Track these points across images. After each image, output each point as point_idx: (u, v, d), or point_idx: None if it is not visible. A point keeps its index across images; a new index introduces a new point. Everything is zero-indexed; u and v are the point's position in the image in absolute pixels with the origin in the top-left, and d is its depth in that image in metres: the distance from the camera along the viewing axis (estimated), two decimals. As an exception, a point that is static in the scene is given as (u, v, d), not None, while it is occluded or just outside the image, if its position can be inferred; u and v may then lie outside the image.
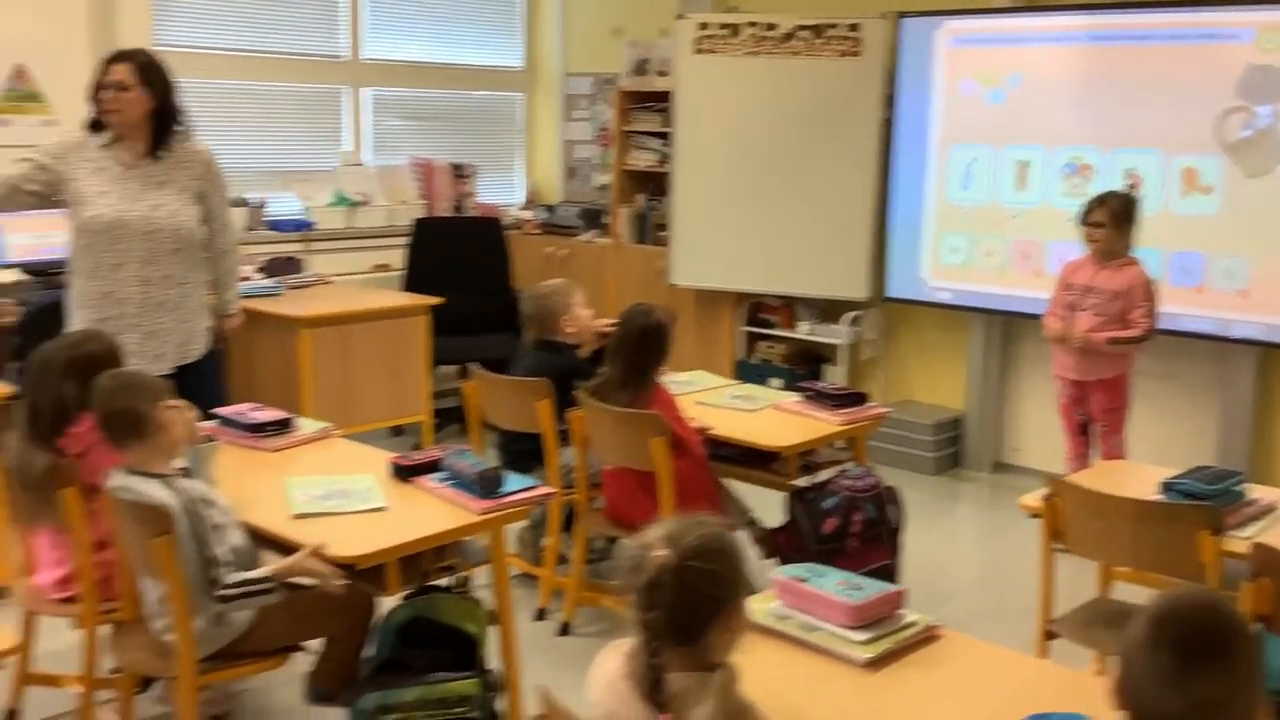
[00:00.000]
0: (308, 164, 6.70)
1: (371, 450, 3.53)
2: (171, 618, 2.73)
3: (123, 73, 3.82)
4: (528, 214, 7.56)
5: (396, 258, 6.64)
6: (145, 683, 3.29)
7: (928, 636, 2.33)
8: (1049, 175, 5.46)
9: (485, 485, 3.05)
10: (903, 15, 5.82)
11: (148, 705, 3.35)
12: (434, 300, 5.74)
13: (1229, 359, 5.13)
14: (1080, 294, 4.62)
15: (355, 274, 6.53)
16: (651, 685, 1.71)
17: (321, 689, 3.02)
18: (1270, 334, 4.93)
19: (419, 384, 5.75)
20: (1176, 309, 5.01)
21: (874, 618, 2.31)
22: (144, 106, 3.86)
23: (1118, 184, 5.17)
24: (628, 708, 1.72)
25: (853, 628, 2.28)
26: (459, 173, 7.19)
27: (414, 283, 6.42)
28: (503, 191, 7.77)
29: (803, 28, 5.99)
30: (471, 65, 7.53)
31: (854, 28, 5.92)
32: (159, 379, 2.97)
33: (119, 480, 2.80)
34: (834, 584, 2.37)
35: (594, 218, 7.28)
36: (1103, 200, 4.64)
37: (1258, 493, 3.18)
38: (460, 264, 6.42)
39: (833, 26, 5.94)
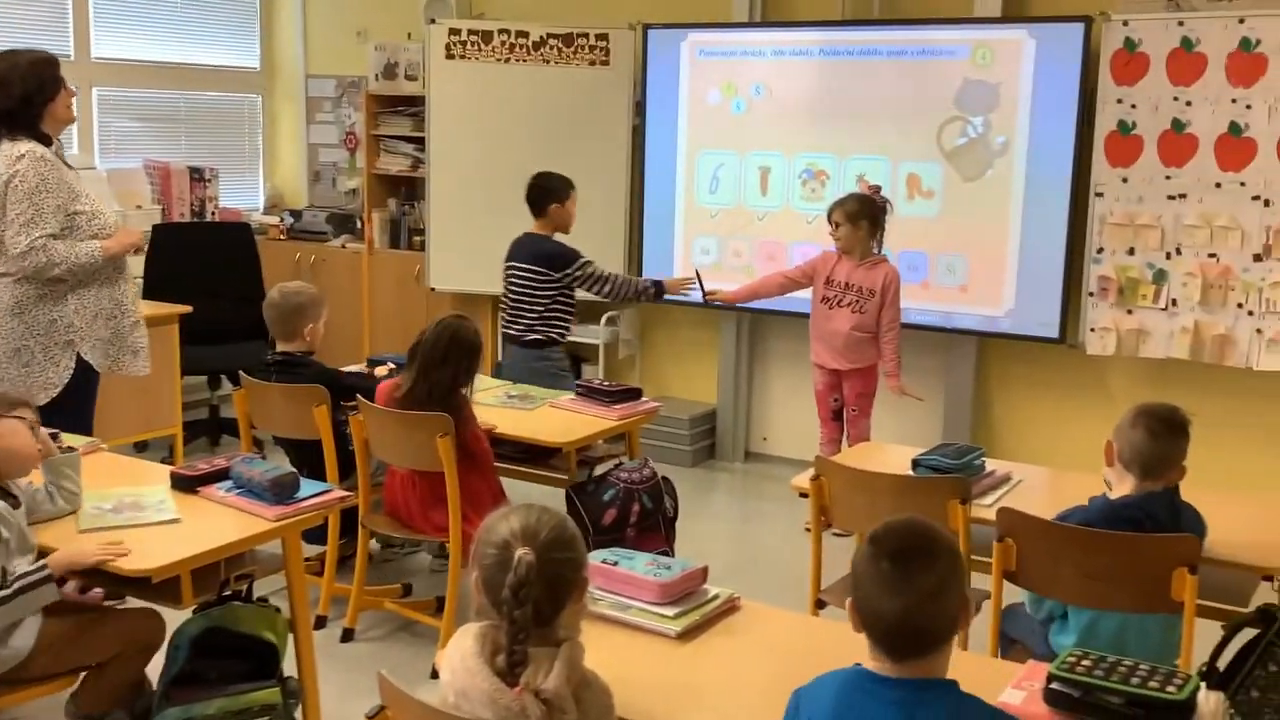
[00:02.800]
0: (33, 167, 6.31)
1: (146, 463, 3.43)
2: (-52, 645, 2.59)
3: None
4: (272, 219, 7.38)
5: (132, 264, 6.34)
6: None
7: (730, 608, 2.51)
8: (789, 180, 5.82)
9: (278, 491, 3.03)
10: (649, 27, 6.06)
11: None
12: (182, 309, 5.55)
13: (952, 348, 5.62)
14: (840, 290, 5.01)
15: (91, 283, 6.20)
16: (510, 667, 1.79)
17: (86, 711, 2.92)
18: (986, 324, 5.45)
19: (169, 396, 5.55)
20: (905, 304, 5.42)
21: (681, 593, 2.47)
22: None
23: (851, 189, 5.57)
24: (479, 682, 1.80)
25: (662, 604, 2.43)
26: (198, 176, 6.94)
27: (154, 290, 6.16)
28: (244, 196, 7.55)
29: (553, 36, 6.14)
30: (205, 65, 7.29)
31: (602, 37, 6.12)
32: None
33: None
34: (642, 565, 2.51)
35: (344, 222, 7.19)
36: (841, 202, 5.05)
37: (993, 465, 3.55)
38: (206, 271, 6.21)
39: (582, 36, 6.12)
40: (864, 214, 4.98)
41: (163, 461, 5.48)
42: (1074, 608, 2.87)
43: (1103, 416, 5.31)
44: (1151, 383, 5.18)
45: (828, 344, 5.08)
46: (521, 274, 5.07)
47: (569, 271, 5.00)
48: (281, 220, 7.33)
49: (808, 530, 4.95)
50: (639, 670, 2.24)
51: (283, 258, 7.05)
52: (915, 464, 3.43)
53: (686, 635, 2.37)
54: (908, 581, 1.77)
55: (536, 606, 1.82)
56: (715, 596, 2.50)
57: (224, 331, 6.09)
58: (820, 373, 5.16)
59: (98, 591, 3.48)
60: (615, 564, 2.52)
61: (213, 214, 6.93)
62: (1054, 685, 2.03)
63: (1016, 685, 2.13)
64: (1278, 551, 2.95)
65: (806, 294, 5.23)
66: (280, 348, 4.15)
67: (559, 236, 5.09)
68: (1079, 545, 2.78)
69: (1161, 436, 2.82)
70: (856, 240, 4.98)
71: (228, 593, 2.93)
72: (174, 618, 2.91)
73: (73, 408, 3.99)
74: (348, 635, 4.03)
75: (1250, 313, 4.80)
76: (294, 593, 3.09)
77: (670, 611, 2.41)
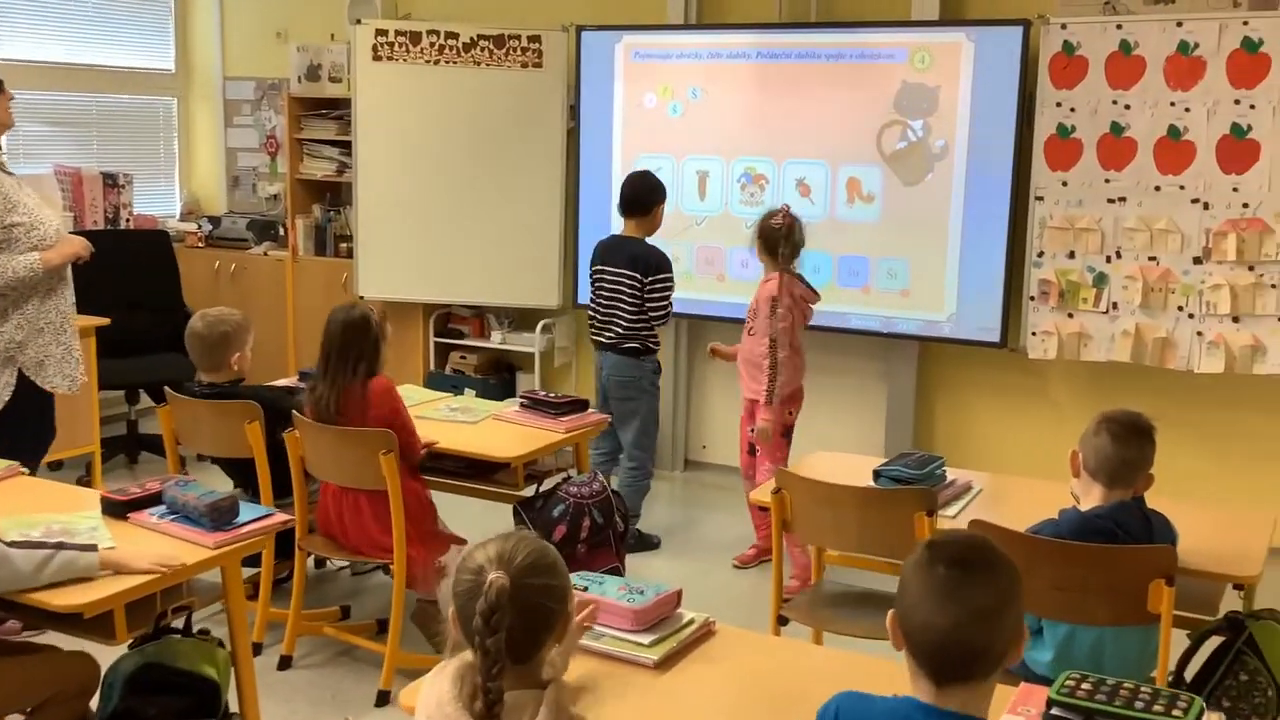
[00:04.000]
0: (-65, 173, 6.01)
1: (73, 488, 3.23)
2: None
3: None
4: (189, 226, 7.12)
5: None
6: None
7: (705, 632, 2.40)
8: (728, 185, 5.74)
9: (216, 516, 2.86)
10: (582, 29, 5.94)
11: None
12: (99, 321, 5.29)
13: (893, 352, 5.59)
14: (750, 314, 4.68)
15: (-1, 294, 5.91)
16: (488, 707, 1.66)
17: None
18: (928, 329, 5.41)
19: (85, 412, 5.29)
20: (846, 308, 5.42)
21: (656, 619, 2.35)
22: None
23: (791, 193, 5.53)
24: (459, 732, 1.67)
25: (637, 631, 2.31)
26: (111, 182, 6.66)
27: (68, 302, 5.89)
28: (159, 203, 7.28)
29: (483, 37, 5.99)
30: (118, 67, 7.01)
31: (534, 39, 5.98)
32: None
33: None
34: (615, 590, 2.39)
35: (265, 229, 6.96)
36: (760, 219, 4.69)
37: (953, 474, 3.49)
38: (123, 281, 5.94)
39: (514, 37, 5.97)
40: (757, 234, 4.61)
41: (79, 482, 5.28)
42: (1049, 622, 2.82)
43: (1045, 420, 5.37)
44: (1093, 386, 5.19)
45: (740, 370, 4.76)
46: (615, 278, 4.89)
47: (655, 278, 4.82)
48: (199, 227, 7.08)
49: (749, 562, 4.91)
50: (619, 703, 2.12)
51: (202, 266, 6.81)
52: (877, 475, 3.36)
53: (664, 664, 2.26)
54: (964, 592, 1.64)
55: (511, 636, 1.70)
56: (690, 621, 2.39)
57: (142, 343, 5.85)
58: (744, 401, 4.78)
59: (13, 624, 3.28)
60: (585, 589, 2.39)
61: (127, 221, 6.66)
62: (1054, 711, 1.95)
63: (1013, 710, 2.05)
64: (1246, 559, 2.92)
65: (744, 298, 5.13)
66: (206, 379, 3.92)
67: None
68: (1054, 558, 2.72)
69: (1125, 442, 2.78)
70: (762, 258, 4.63)
71: (165, 624, 2.76)
72: (108, 654, 2.74)
73: (15, 426, 3.80)
74: (285, 663, 3.85)
75: (1191, 315, 4.82)
76: (234, 624, 2.92)
77: (646, 639, 2.30)
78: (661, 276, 4.84)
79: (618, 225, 5.96)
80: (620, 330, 4.89)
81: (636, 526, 5.05)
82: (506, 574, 1.71)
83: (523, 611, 1.71)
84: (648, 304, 4.84)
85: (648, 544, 5.06)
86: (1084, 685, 1.99)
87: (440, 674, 1.78)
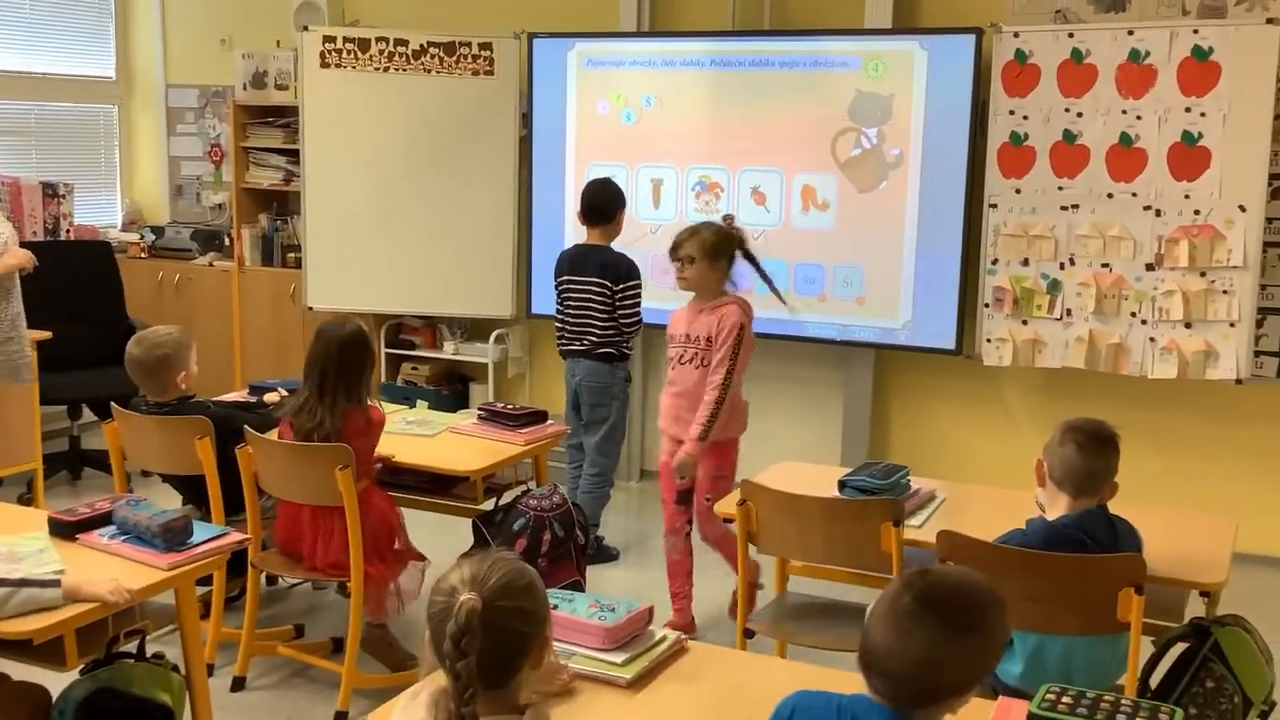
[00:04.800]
0: None
1: (14, 507, 3.14)
2: None
3: None
4: (132, 236, 6.97)
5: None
6: None
7: (678, 650, 2.36)
8: (682, 193, 5.71)
9: (169, 537, 2.78)
10: (534, 36, 5.88)
11: None
12: (41, 334, 5.15)
13: (849, 360, 5.58)
14: (681, 344, 4.11)
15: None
16: (462, 734, 1.62)
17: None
18: (884, 336, 5.41)
19: (26, 428, 5.16)
20: (802, 316, 5.39)
21: (628, 637, 2.31)
22: None
23: (746, 202, 5.51)
24: (436, 760, 1.62)
25: (609, 650, 2.27)
26: (51, 192, 6.50)
27: (7, 315, 5.72)
28: (100, 213, 7.12)
29: (434, 44, 5.92)
30: (57, 74, 6.86)
31: (485, 46, 5.92)
32: None
33: None
34: (585, 608, 2.35)
35: (210, 239, 6.83)
36: (695, 231, 4.09)
37: (917, 483, 3.47)
38: (65, 293, 5.79)
39: (465, 45, 5.91)
40: (725, 250, 4.05)
41: (20, 500, 5.14)
42: (1019, 633, 2.80)
43: (1001, 427, 5.39)
44: (1048, 393, 5.22)
45: (671, 411, 4.16)
46: (584, 288, 4.84)
47: (625, 286, 4.78)
48: (142, 238, 6.93)
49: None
50: (592, 725, 2.08)
51: (145, 277, 6.67)
52: (842, 485, 3.33)
53: (638, 683, 2.22)
54: (911, 630, 1.67)
55: (483, 660, 1.65)
56: (663, 639, 2.35)
57: (84, 357, 5.69)
58: (666, 441, 4.18)
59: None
60: (555, 607, 2.33)
61: (68, 232, 6.49)
62: (1036, 725, 1.94)
63: (993, 725, 2.03)
64: (1210, 565, 2.94)
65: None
66: (152, 400, 3.80)
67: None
68: (1023, 568, 2.71)
69: (1091, 452, 2.78)
70: (712, 280, 4.05)
71: (118, 649, 2.68)
72: (58, 681, 2.64)
73: None
74: (238, 684, 3.75)
75: (1144, 321, 4.86)
76: (189, 648, 2.83)
77: (618, 658, 2.25)
78: (632, 284, 4.81)
79: (572, 233, 5.93)
80: (594, 339, 4.84)
81: (599, 534, 5.00)
82: (478, 596, 1.67)
83: (494, 634, 1.67)
84: (619, 312, 4.79)
85: (607, 555, 5.01)
86: (1064, 699, 1.98)
87: (414, 700, 1.72)
